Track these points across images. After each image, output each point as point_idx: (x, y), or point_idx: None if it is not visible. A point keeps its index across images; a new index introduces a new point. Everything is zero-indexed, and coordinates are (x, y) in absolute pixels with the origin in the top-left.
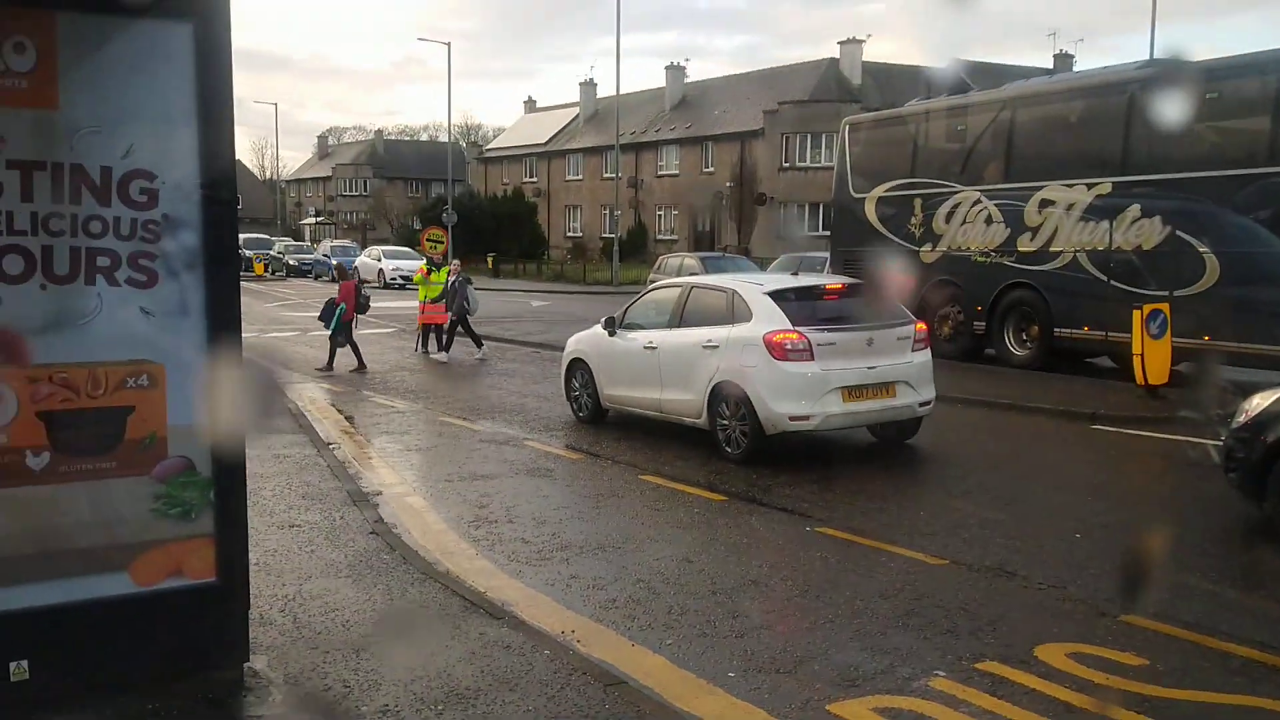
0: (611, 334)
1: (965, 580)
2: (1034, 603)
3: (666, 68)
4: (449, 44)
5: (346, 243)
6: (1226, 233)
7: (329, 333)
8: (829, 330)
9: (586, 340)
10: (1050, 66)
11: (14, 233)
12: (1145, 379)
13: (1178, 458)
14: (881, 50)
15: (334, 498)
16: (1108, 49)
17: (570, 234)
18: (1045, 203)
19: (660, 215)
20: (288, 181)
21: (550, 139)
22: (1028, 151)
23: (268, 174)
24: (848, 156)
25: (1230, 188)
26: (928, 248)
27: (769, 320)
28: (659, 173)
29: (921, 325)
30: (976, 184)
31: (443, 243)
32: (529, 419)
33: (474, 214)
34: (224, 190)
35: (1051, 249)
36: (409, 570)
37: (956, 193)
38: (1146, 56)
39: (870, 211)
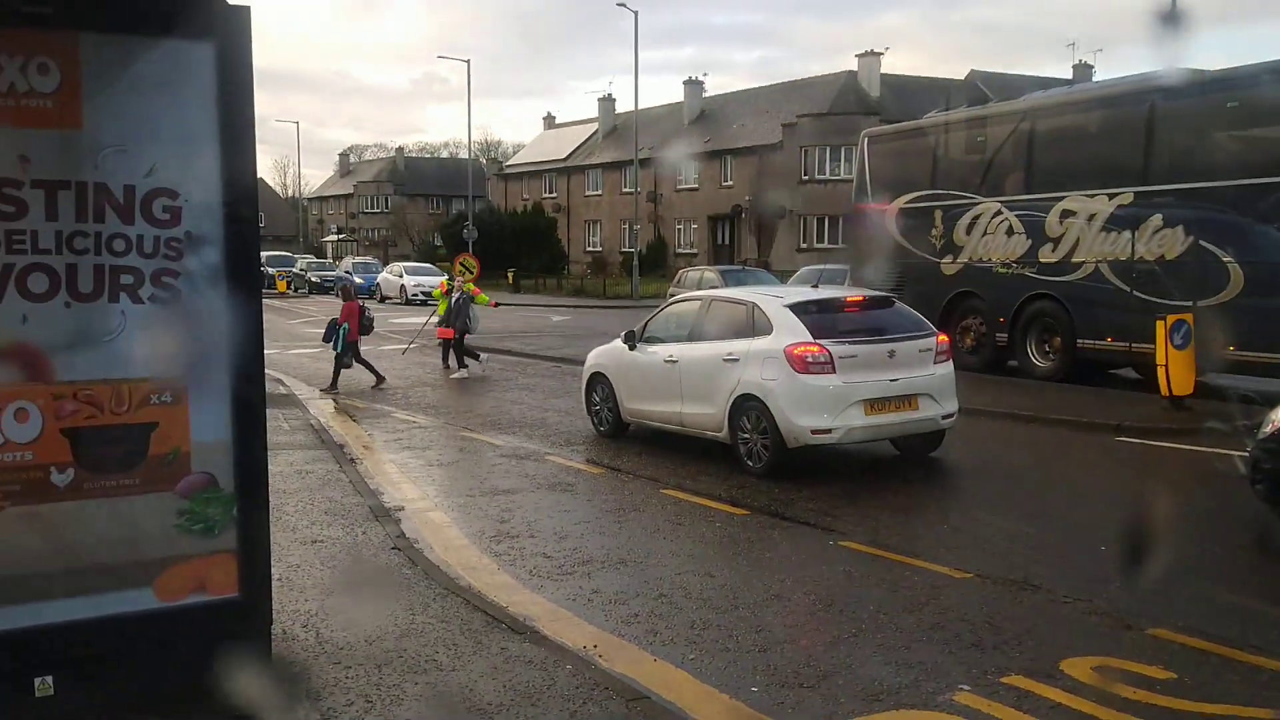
0: (632, 348)
1: (990, 593)
2: (1060, 616)
3: (685, 82)
4: (469, 61)
5: (368, 259)
6: (1250, 242)
7: (335, 352)
8: (850, 343)
9: (607, 354)
10: (1070, 77)
11: (39, 251)
12: (1169, 390)
13: (1203, 469)
14: (899, 62)
15: (356, 513)
16: (1127, 59)
17: (590, 249)
18: (1067, 213)
19: (679, 229)
20: (310, 199)
21: (569, 154)
22: (1048, 162)
23: (290, 192)
24: (867, 169)
25: (1253, 196)
26: (949, 259)
27: (790, 333)
28: (678, 187)
29: (943, 337)
30: (997, 195)
31: (474, 271)
32: (550, 433)
33: (494, 230)
34: (246, 207)
35: (1073, 260)
36: (431, 585)
37: (977, 204)
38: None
39: (891, 224)
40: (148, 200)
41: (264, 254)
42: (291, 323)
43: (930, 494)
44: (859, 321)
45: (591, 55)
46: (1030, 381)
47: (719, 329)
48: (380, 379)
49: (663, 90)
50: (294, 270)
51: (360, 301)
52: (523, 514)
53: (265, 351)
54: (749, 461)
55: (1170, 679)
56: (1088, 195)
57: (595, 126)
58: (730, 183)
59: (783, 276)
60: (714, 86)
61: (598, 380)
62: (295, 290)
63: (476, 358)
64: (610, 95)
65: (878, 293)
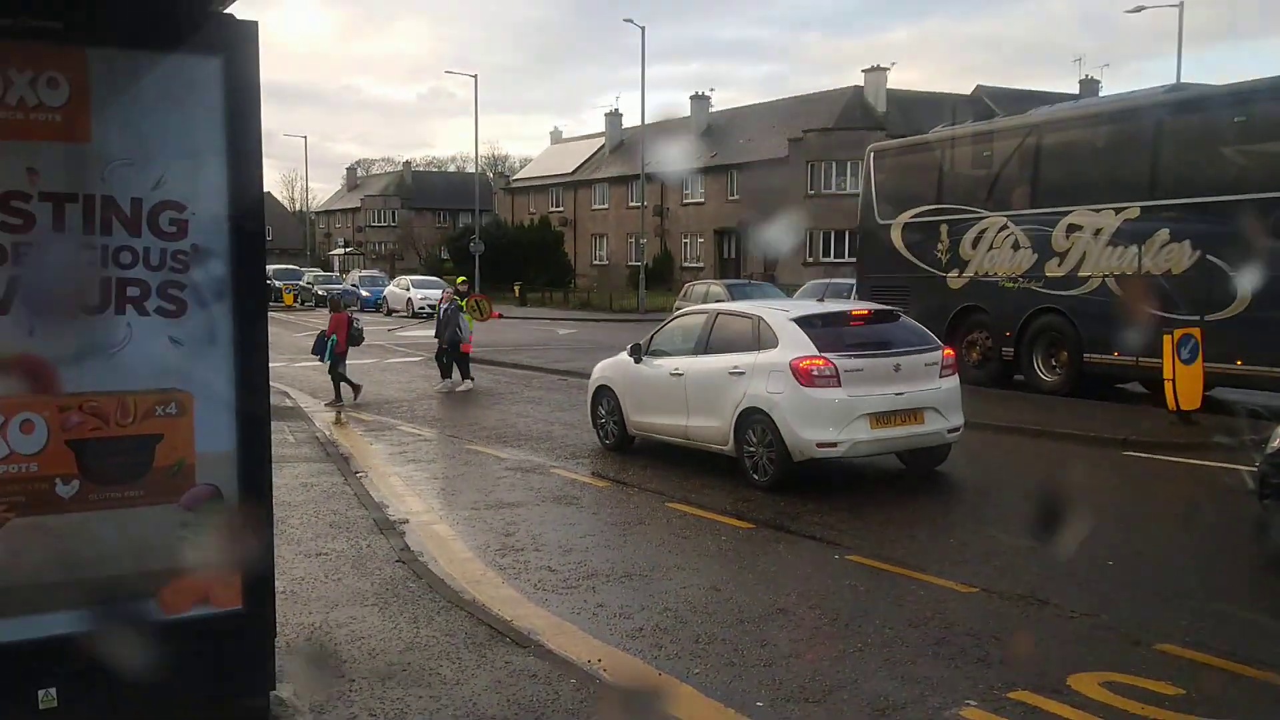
0: (637, 361)
1: (997, 608)
2: (1067, 631)
3: (692, 97)
4: (475, 76)
5: (375, 273)
6: (1258, 256)
7: (326, 366)
8: (856, 356)
9: (612, 367)
10: (1076, 92)
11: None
12: (1177, 404)
13: (1211, 484)
14: (906, 78)
15: (360, 526)
16: (1134, 74)
17: (596, 262)
18: (1073, 227)
19: (686, 243)
20: (317, 213)
21: (576, 169)
22: (1054, 177)
23: (297, 205)
24: (873, 183)
25: (1261, 211)
26: (955, 274)
27: (795, 346)
28: (685, 200)
29: (949, 351)
30: (1003, 210)
31: (484, 313)
32: (555, 446)
33: (501, 243)
34: (252, 220)
35: (1080, 274)
36: (435, 598)
37: (983, 218)
38: (1174, 81)
39: (897, 238)
40: (155, 213)
41: (271, 267)
42: (297, 336)
43: (936, 508)
44: (864, 335)
45: (599, 71)
46: (1037, 396)
47: (725, 342)
48: (354, 392)
49: (670, 105)
50: (301, 284)
51: (350, 313)
52: (528, 527)
53: (271, 364)
54: (754, 475)
55: (1178, 694)
56: (1094, 209)
57: (602, 141)
58: (737, 197)
59: (789, 290)
60: (721, 101)
61: (603, 393)
62: (302, 304)
63: (445, 376)
64: (617, 110)
65: (883, 306)
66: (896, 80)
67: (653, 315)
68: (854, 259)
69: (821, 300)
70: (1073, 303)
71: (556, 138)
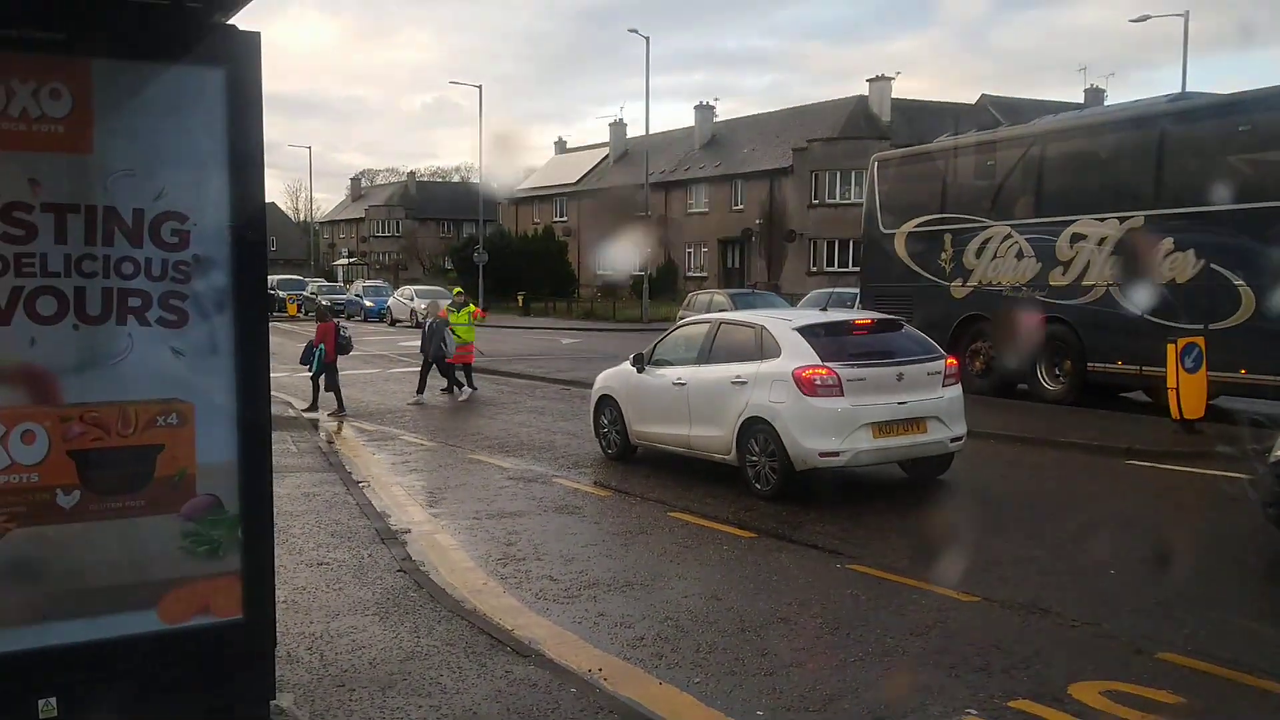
0: (640, 370)
1: (998, 617)
2: (1068, 640)
3: (695, 107)
4: (480, 87)
5: (379, 283)
6: (1261, 265)
7: (310, 374)
8: (859, 366)
9: (615, 377)
10: (1081, 101)
11: (47, 274)
12: (1180, 413)
13: (1214, 493)
14: (910, 87)
15: (362, 535)
16: (1139, 83)
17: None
18: (1077, 237)
19: (689, 252)
20: (321, 223)
21: (580, 179)
22: (1059, 186)
23: (302, 216)
24: (877, 193)
25: (1264, 220)
26: (958, 283)
27: (798, 356)
28: (688, 210)
29: (952, 360)
30: (1007, 219)
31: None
32: (558, 456)
33: (505, 253)
34: (254, 231)
35: (1084, 283)
36: (436, 608)
37: (987, 228)
38: (1178, 90)
39: (900, 247)
40: (157, 224)
41: (275, 277)
42: (300, 346)
43: (938, 517)
44: (867, 344)
45: (603, 81)
46: (1040, 405)
47: (727, 352)
48: (313, 406)
49: (674, 115)
50: (305, 294)
51: (336, 322)
52: (529, 536)
53: (275, 374)
54: (757, 484)
55: (1179, 703)
56: (1098, 219)
57: (606, 151)
58: (740, 206)
59: (793, 300)
60: (725, 111)
61: (606, 403)
62: (305, 314)
63: (459, 385)
64: (621, 120)
65: (886, 316)
66: (901, 89)
67: (656, 325)
68: (858, 268)
69: (825, 309)
70: (1076, 312)
71: (561, 148)
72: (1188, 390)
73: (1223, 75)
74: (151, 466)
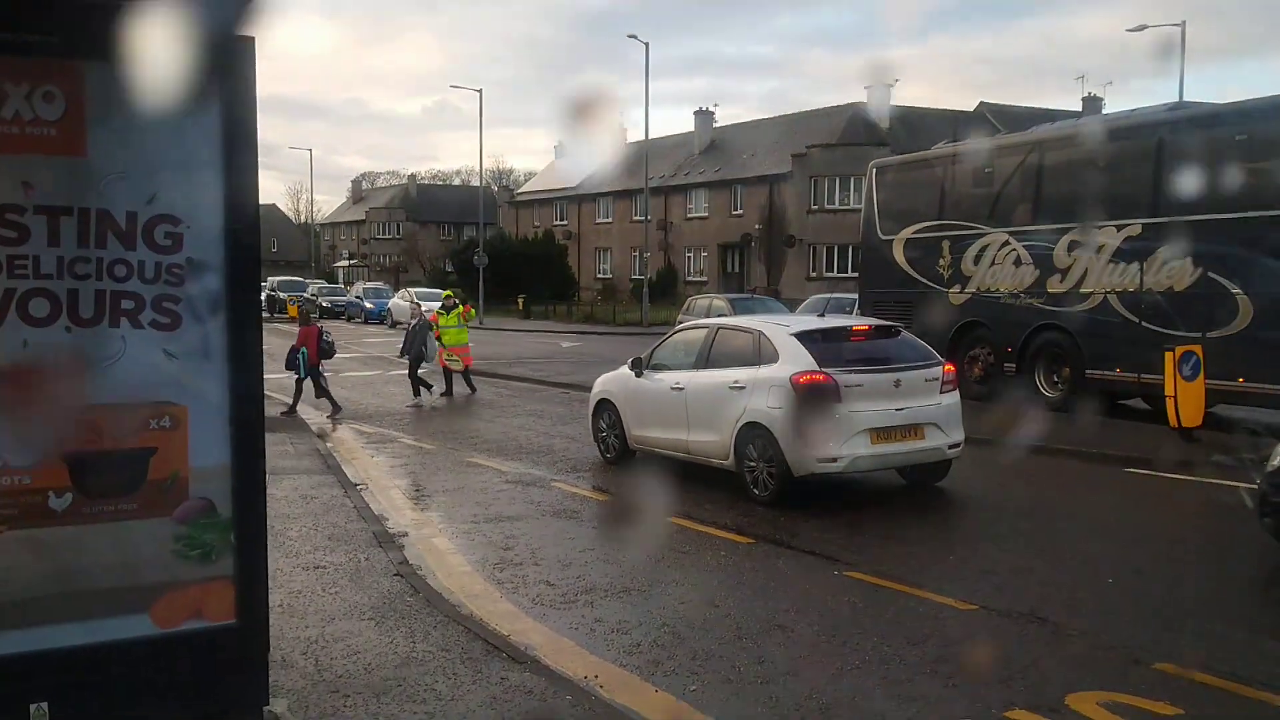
0: (638, 375)
1: (995, 626)
2: (1066, 650)
3: (695, 112)
4: (480, 90)
5: (379, 285)
6: (1259, 274)
7: (295, 378)
8: (856, 372)
9: (614, 381)
10: (1079, 109)
11: (40, 276)
12: (1178, 421)
13: (1212, 502)
14: (909, 94)
15: (359, 539)
16: (1137, 92)
17: (600, 275)
18: (1075, 244)
19: (689, 257)
20: (322, 225)
21: (580, 182)
22: (1057, 193)
23: (303, 218)
24: (875, 199)
25: (1263, 229)
26: (956, 289)
27: (796, 362)
28: (688, 215)
29: (950, 367)
30: (1005, 226)
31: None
32: (556, 460)
33: (505, 256)
34: (247, 234)
35: (1082, 290)
36: (432, 613)
37: (985, 234)
38: (1176, 99)
39: (899, 254)
40: (150, 226)
41: (276, 279)
42: None
43: (936, 524)
44: (865, 350)
45: (603, 85)
46: (1038, 412)
47: (725, 357)
48: (291, 410)
49: (674, 120)
50: (305, 295)
51: (319, 325)
52: (527, 541)
53: (273, 376)
54: (755, 490)
55: (1177, 714)
56: (1096, 226)
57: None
58: (740, 211)
59: (792, 305)
60: (725, 117)
61: (604, 407)
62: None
63: (428, 388)
64: (621, 125)
65: (884, 322)
66: (900, 96)
67: (656, 329)
68: (856, 274)
69: (823, 315)
70: (1075, 319)
71: (561, 152)
72: (1186, 398)
73: (1221, 85)
74: (144, 469)
